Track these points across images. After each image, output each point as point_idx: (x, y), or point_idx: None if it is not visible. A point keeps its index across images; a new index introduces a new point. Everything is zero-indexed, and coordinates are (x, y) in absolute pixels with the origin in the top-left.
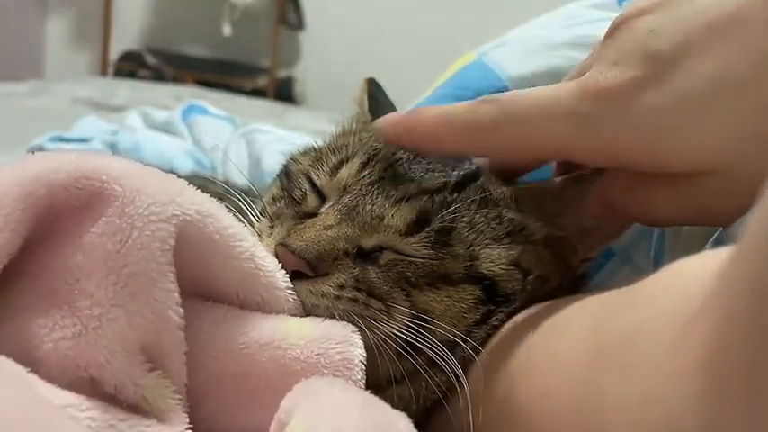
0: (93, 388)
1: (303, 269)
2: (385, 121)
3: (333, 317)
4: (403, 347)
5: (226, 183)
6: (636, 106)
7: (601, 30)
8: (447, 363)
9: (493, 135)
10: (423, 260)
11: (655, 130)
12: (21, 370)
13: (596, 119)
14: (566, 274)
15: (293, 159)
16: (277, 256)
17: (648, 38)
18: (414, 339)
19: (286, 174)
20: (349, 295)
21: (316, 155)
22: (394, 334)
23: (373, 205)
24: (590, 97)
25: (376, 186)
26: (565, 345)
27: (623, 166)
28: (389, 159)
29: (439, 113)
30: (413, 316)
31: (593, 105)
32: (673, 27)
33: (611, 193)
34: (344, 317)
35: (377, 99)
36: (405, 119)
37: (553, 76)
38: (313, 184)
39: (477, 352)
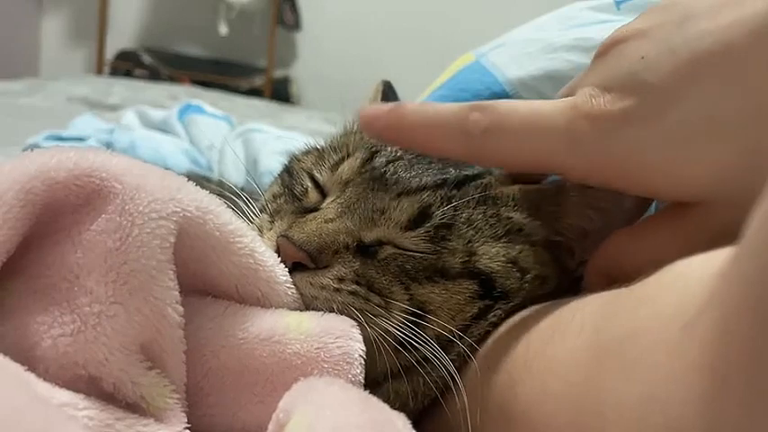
0: (91, 386)
1: (304, 261)
2: (368, 113)
3: (332, 310)
4: (400, 343)
5: (222, 181)
6: (624, 136)
7: (598, 32)
8: (440, 360)
9: (480, 144)
10: (421, 254)
11: (642, 159)
12: (19, 368)
13: (587, 142)
14: (564, 275)
15: (295, 157)
16: (278, 250)
17: (638, 66)
18: (409, 336)
19: (288, 171)
20: (348, 288)
21: (318, 153)
22: (391, 330)
23: (375, 199)
24: (582, 120)
25: (377, 181)
26: (565, 345)
27: (614, 189)
28: (391, 156)
29: (426, 114)
30: (410, 312)
31: (585, 129)
32: (663, 57)
33: (606, 262)
34: (343, 310)
35: (389, 101)
36: (388, 114)
37: (551, 79)
38: (315, 181)
39: (474, 350)
